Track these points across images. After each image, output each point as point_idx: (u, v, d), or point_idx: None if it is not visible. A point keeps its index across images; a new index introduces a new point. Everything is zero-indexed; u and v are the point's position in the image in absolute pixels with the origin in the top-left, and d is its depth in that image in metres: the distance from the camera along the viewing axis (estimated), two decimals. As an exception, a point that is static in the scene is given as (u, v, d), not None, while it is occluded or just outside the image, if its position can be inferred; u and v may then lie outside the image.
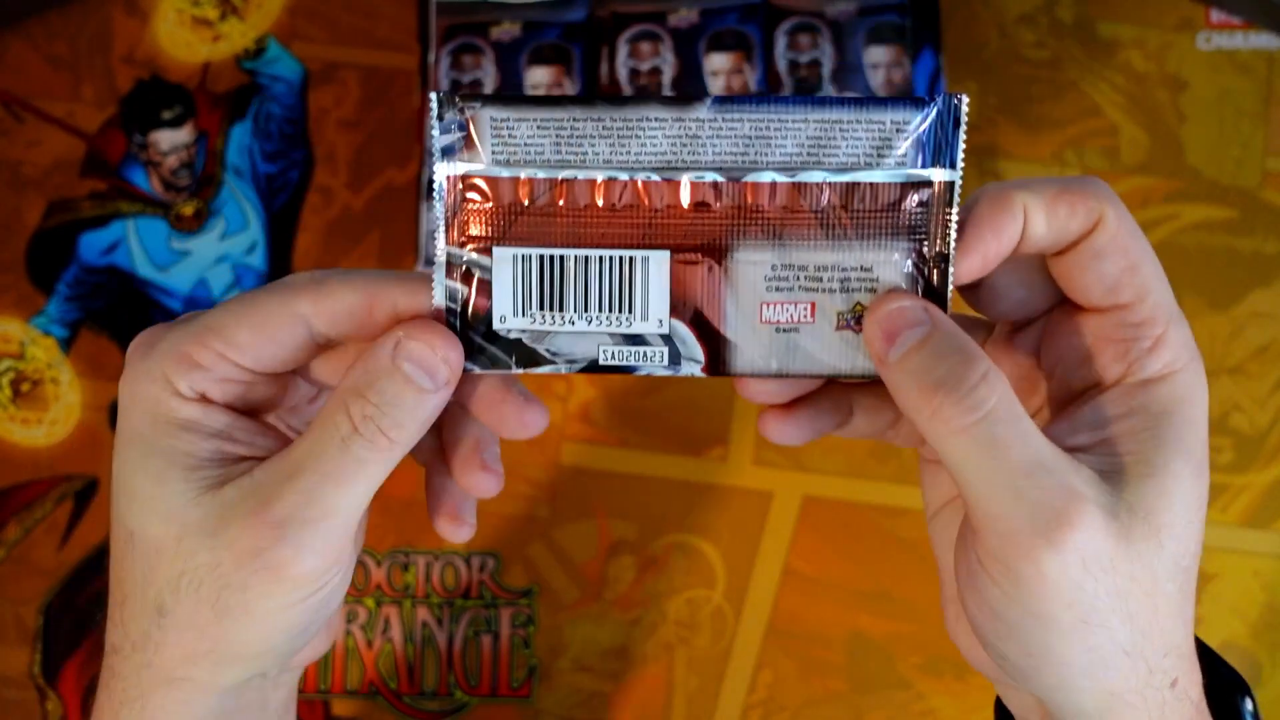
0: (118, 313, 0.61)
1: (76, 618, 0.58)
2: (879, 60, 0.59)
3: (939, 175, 0.28)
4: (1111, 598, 0.27)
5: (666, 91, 0.59)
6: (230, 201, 0.62)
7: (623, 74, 0.59)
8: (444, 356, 0.29)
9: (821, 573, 0.57)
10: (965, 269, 0.29)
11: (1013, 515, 0.27)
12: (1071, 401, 0.31)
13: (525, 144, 0.28)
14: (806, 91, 0.59)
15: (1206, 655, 0.32)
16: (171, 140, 0.62)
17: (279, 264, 0.61)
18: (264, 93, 0.63)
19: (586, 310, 0.30)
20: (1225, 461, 0.58)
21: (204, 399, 0.30)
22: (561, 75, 0.60)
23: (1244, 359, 0.58)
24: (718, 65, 0.59)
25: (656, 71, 0.59)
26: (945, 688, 0.56)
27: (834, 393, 0.33)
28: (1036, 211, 0.29)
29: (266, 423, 0.32)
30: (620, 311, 0.30)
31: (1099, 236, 0.29)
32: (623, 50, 0.60)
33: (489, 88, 0.60)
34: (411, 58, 0.62)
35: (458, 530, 0.34)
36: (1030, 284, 0.31)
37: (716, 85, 0.59)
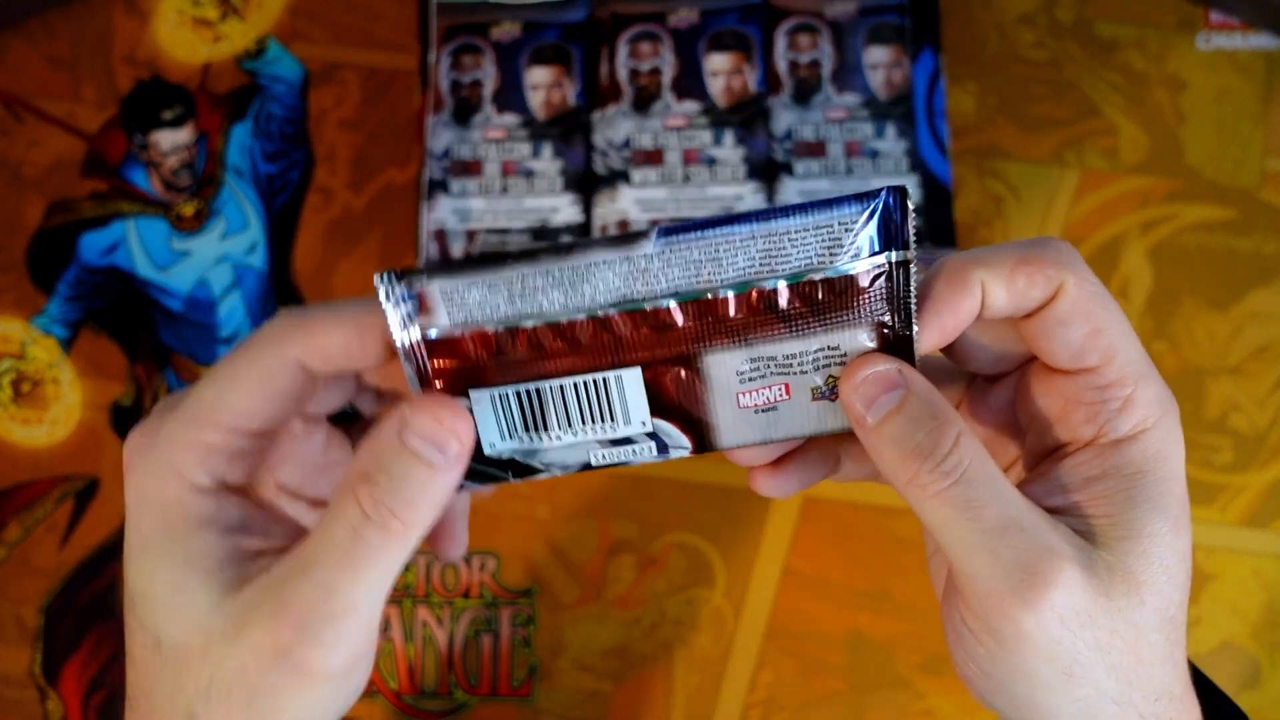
0: (118, 313, 0.61)
1: (77, 617, 0.58)
2: (879, 60, 0.59)
3: (893, 257, 0.28)
4: (1093, 651, 0.28)
5: (667, 91, 0.59)
6: (231, 201, 0.62)
7: (623, 74, 0.59)
8: (452, 429, 0.28)
9: (821, 573, 0.57)
10: (925, 343, 0.29)
11: (990, 575, 0.27)
12: (1047, 456, 0.31)
13: (479, 304, 0.28)
14: (807, 92, 0.59)
15: (1207, 691, 0.32)
16: (172, 140, 0.62)
17: (279, 264, 0.61)
18: (264, 93, 0.63)
19: (570, 427, 0.30)
20: (1225, 461, 0.58)
21: (222, 486, 0.29)
22: (561, 75, 0.60)
23: (1243, 359, 0.58)
24: (718, 65, 0.59)
25: (656, 72, 0.59)
26: (945, 687, 0.56)
27: (821, 444, 0.33)
28: (995, 285, 0.29)
29: (279, 511, 0.31)
30: (603, 422, 0.30)
31: (1060, 304, 0.29)
32: (623, 50, 0.60)
33: (489, 88, 0.60)
34: (412, 58, 0.63)
35: (453, 549, 0.33)
36: (1001, 343, 0.31)
37: (716, 85, 0.59)
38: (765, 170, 0.58)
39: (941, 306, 0.29)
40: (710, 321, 0.29)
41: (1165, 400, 0.29)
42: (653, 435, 0.30)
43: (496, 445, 0.30)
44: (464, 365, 0.29)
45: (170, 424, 0.29)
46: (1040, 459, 0.31)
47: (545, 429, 0.30)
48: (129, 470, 0.29)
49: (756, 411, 0.30)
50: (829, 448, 0.33)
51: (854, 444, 0.33)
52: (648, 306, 0.28)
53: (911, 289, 0.28)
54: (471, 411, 0.29)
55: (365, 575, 0.27)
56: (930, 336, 0.29)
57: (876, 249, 0.28)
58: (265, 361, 0.28)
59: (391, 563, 0.28)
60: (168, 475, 0.28)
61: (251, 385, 0.28)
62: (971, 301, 0.29)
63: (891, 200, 0.28)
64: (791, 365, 0.29)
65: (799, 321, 0.29)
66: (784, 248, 0.28)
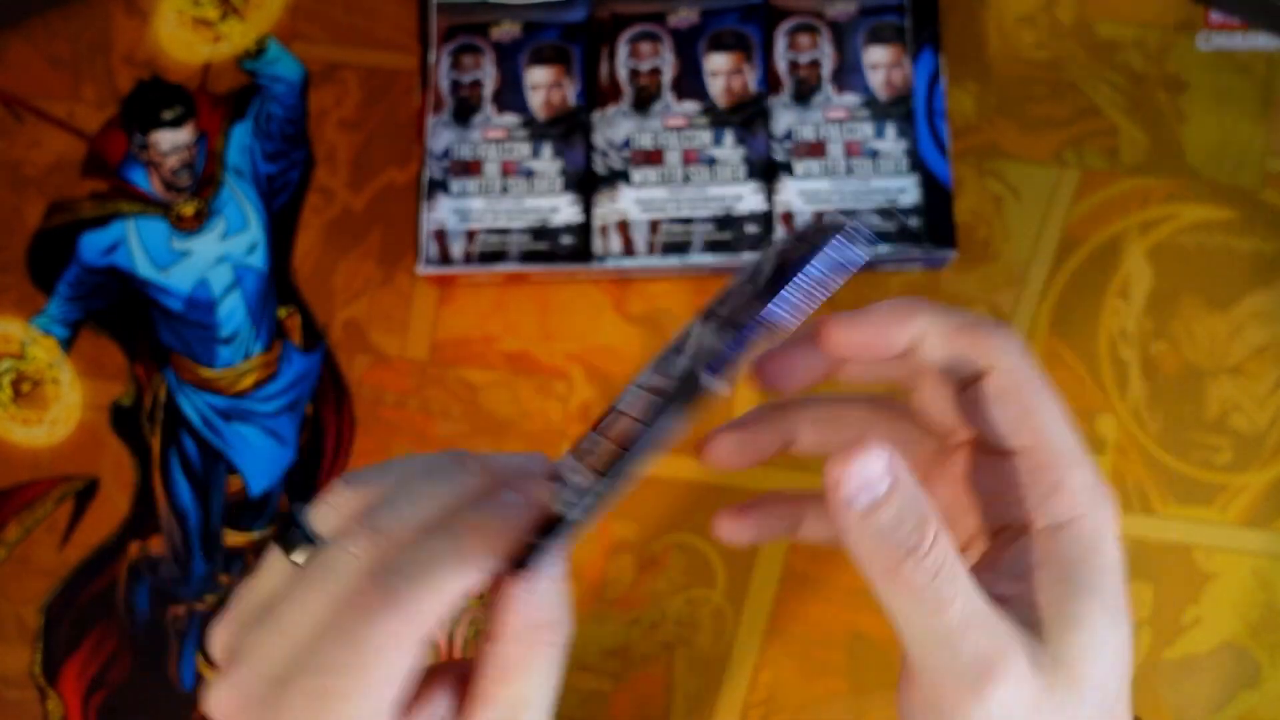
0: (118, 313, 0.61)
1: (77, 617, 0.58)
2: (879, 60, 0.59)
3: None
4: None
5: (667, 91, 0.59)
6: (231, 201, 0.62)
7: (623, 74, 0.59)
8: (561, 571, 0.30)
9: (821, 573, 0.57)
10: (838, 340, 0.31)
11: (946, 668, 0.28)
12: (996, 536, 0.31)
13: None
14: (807, 92, 0.59)
15: None
16: (172, 140, 0.62)
17: (279, 264, 0.61)
18: (264, 93, 0.63)
19: None
20: (1224, 461, 0.58)
21: None
22: (561, 75, 0.60)
23: (1243, 359, 0.58)
24: (718, 65, 0.59)
25: (656, 72, 0.59)
26: (945, 687, 0.56)
27: (786, 501, 0.34)
28: (936, 335, 0.30)
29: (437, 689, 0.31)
30: None
31: (994, 379, 0.30)
32: (623, 50, 0.60)
33: (489, 88, 0.60)
34: (412, 58, 0.63)
35: None
36: (951, 410, 0.32)
37: (716, 85, 0.59)
38: (765, 170, 0.58)
39: (875, 319, 0.30)
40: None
41: (1098, 489, 0.30)
42: None
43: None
44: None
45: None
46: (991, 537, 0.32)
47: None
48: None
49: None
50: (794, 508, 0.34)
51: (819, 508, 0.34)
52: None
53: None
54: None
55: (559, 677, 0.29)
56: (846, 335, 0.31)
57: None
58: (392, 661, 0.28)
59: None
60: None
61: (388, 686, 0.28)
62: (902, 331, 0.30)
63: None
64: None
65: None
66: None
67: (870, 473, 0.28)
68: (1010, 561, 0.30)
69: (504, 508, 0.29)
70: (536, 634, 0.29)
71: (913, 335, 0.30)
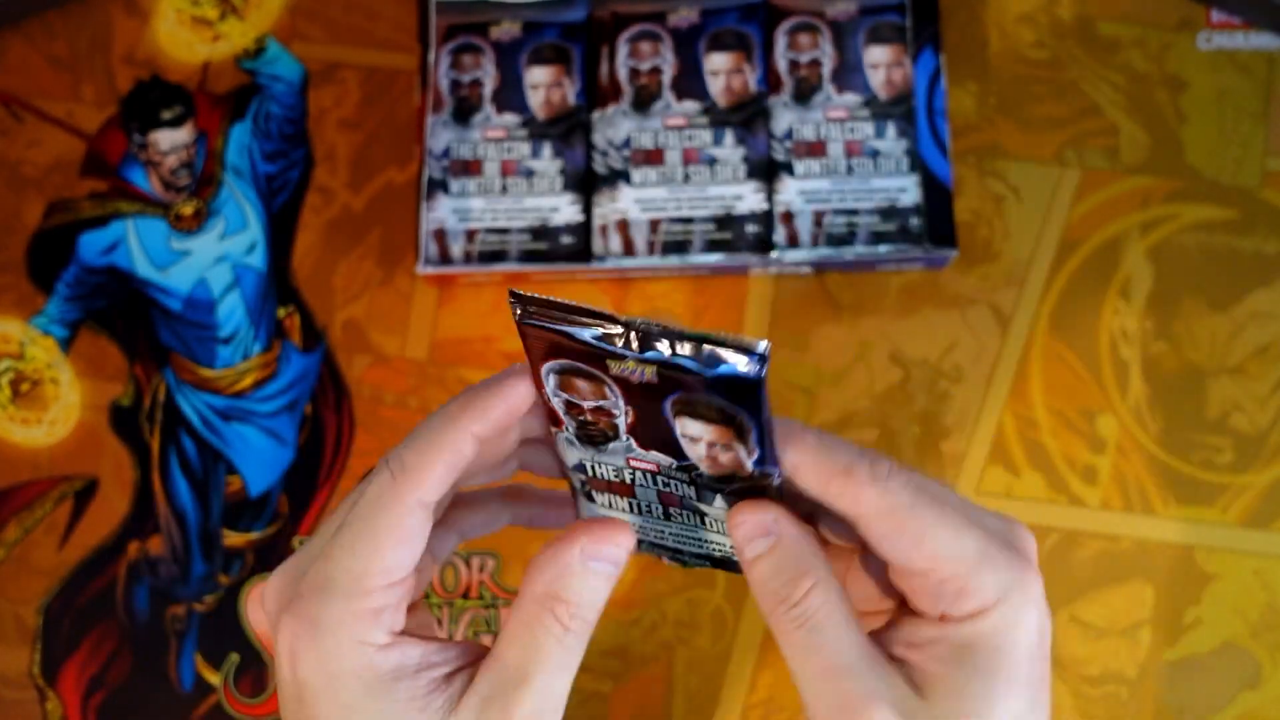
0: (117, 313, 0.61)
1: (76, 618, 0.58)
2: (879, 60, 0.59)
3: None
4: None
5: (667, 91, 0.59)
6: (230, 201, 0.62)
7: (623, 74, 0.59)
8: (625, 544, 0.33)
9: (821, 573, 0.57)
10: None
11: (814, 706, 0.31)
12: (912, 613, 0.33)
13: None
14: (807, 91, 0.59)
15: None
16: (171, 140, 0.62)
17: (278, 264, 0.61)
18: (264, 92, 0.63)
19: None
20: (1225, 462, 0.58)
21: (394, 634, 0.32)
22: (561, 75, 0.60)
23: (1244, 359, 0.58)
24: (718, 65, 0.59)
25: (656, 71, 0.59)
26: (945, 688, 0.56)
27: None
28: (808, 475, 0.32)
29: (440, 637, 0.34)
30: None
31: (872, 525, 0.31)
32: (622, 50, 0.60)
33: (489, 88, 0.60)
34: (411, 57, 0.62)
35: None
36: (847, 533, 0.34)
37: (717, 85, 0.59)
38: (765, 170, 0.58)
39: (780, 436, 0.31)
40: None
41: (1009, 575, 0.31)
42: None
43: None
44: None
45: (331, 606, 0.31)
46: (909, 612, 0.34)
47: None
48: (297, 654, 0.31)
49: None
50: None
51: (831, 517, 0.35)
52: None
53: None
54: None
55: (571, 675, 0.32)
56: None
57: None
58: (393, 513, 0.31)
59: (581, 655, 0.33)
60: (350, 648, 0.31)
61: (387, 534, 0.31)
62: (783, 464, 0.32)
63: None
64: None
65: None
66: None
67: (757, 527, 0.32)
68: (909, 631, 0.32)
69: (496, 380, 0.32)
70: (545, 602, 0.32)
71: (789, 462, 0.32)
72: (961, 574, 0.31)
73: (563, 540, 0.32)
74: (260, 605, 0.33)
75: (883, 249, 0.57)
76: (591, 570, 0.32)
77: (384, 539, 0.31)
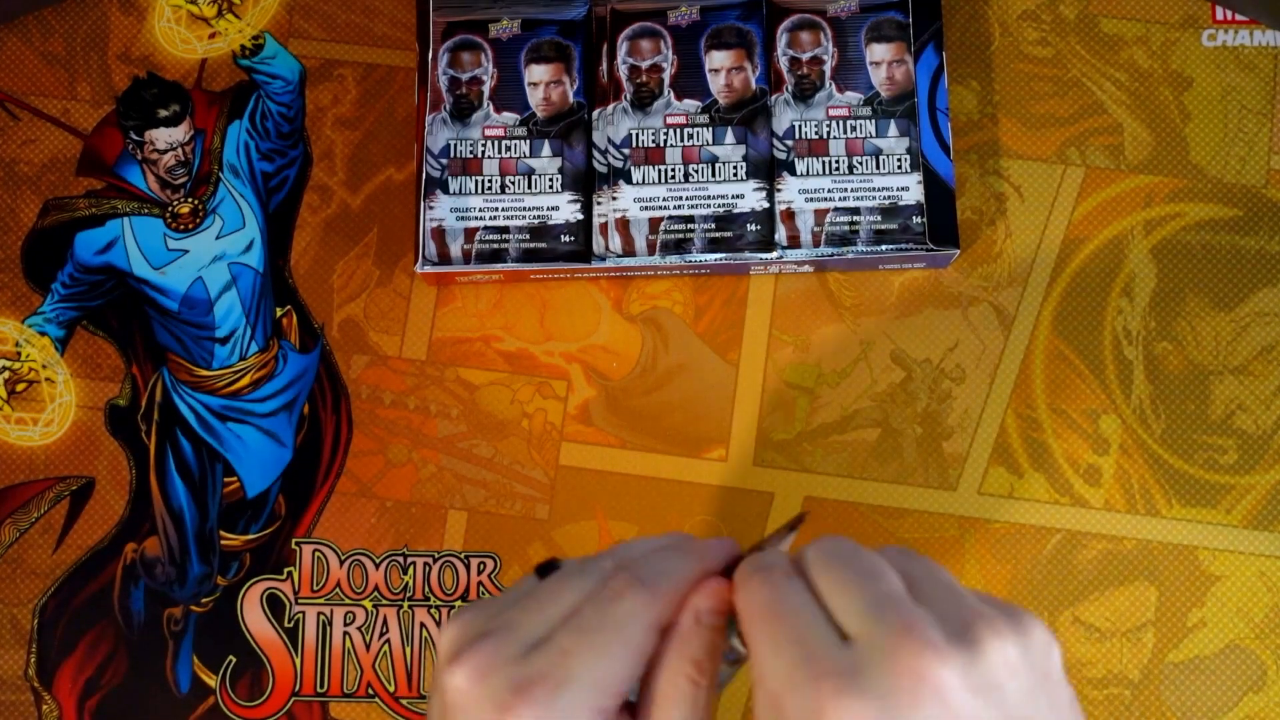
0: (114, 312, 0.60)
1: (72, 619, 0.58)
2: (881, 57, 0.59)
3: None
4: None
5: (667, 89, 0.59)
6: (227, 200, 0.61)
7: (623, 72, 0.59)
8: (725, 597, 0.36)
9: (823, 574, 0.57)
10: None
11: None
12: None
13: None
14: (809, 89, 0.59)
15: None
16: (168, 138, 0.62)
17: (276, 263, 0.61)
18: (261, 90, 0.62)
19: None
20: (1229, 462, 0.57)
21: None
22: (561, 73, 0.59)
23: (1248, 358, 0.58)
24: (718, 63, 0.59)
25: (657, 69, 0.59)
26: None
27: None
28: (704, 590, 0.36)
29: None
30: None
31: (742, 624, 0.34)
32: (623, 48, 0.59)
33: (488, 85, 0.59)
34: (410, 55, 0.62)
35: None
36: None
37: (718, 83, 0.59)
38: (767, 168, 0.58)
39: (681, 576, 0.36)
40: None
41: (802, 712, 0.31)
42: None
43: None
44: None
45: (574, 694, 0.33)
46: None
47: None
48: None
49: None
50: None
51: None
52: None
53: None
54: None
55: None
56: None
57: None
58: (635, 635, 0.35)
59: (711, 703, 0.35)
60: None
61: (629, 657, 0.34)
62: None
63: None
64: None
65: None
66: None
67: (695, 599, 0.36)
68: None
69: (717, 543, 0.37)
70: (682, 666, 0.35)
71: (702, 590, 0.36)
72: (776, 691, 0.32)
73: (683, 612, 0.36)
74: (457, 662, 0.34)
75: (884, 248, 0.57)
76: (708, 627, 0.35)
77: (633, 654, 0.34)
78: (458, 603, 0.57)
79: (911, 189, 0.57)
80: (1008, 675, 0.30)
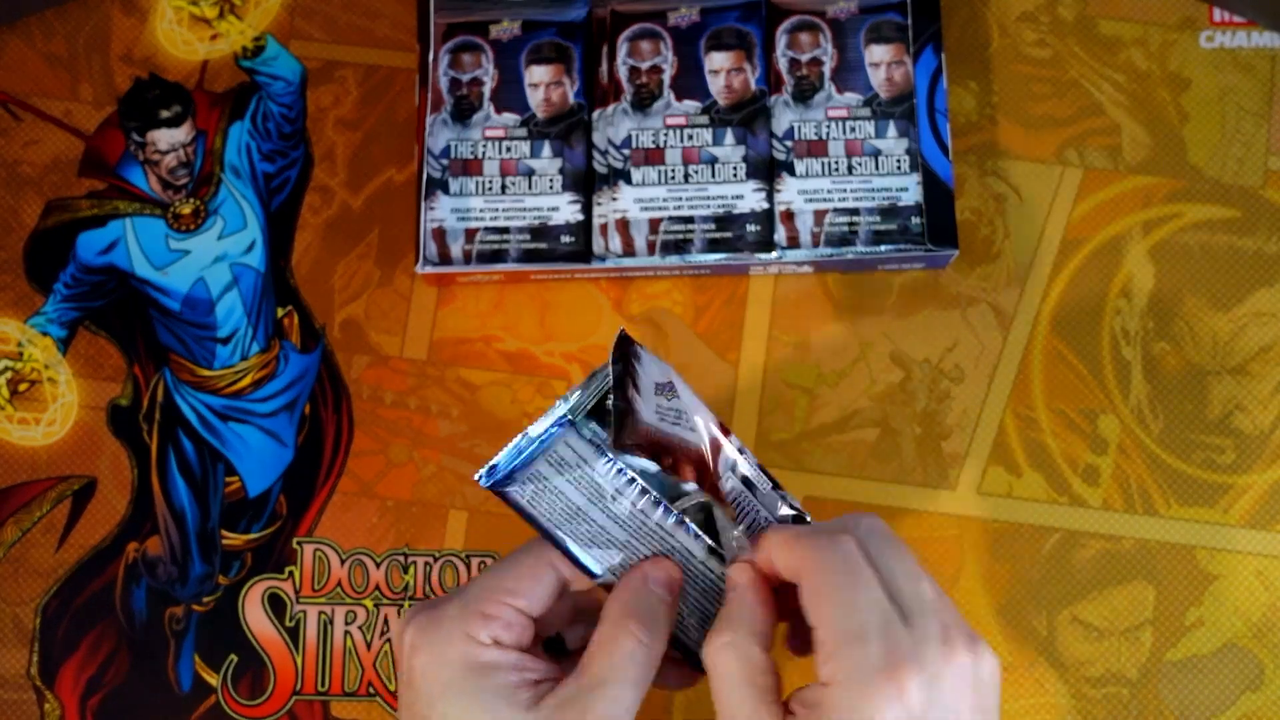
0: (116, 312, 0.61)
1: (74, 618, 0.58)
2: (880, 59, 0.59)
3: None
4: None
5: (667, 90, 0.59)
6: (228, 200, 0.61)
7: (623, 73, 0.59)
8: (678, 575, 0.41)
9: (822, 573, 0.57)
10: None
11: None
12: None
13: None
14: (808, 90, 0.59)
15: None
16: (170, 139, 0.62)
17: (277, 263, 0.61)
18: (262, 91, 0.63)
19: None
20: (1227, 462, 0.57)
21: (497, 643, 0.39)
22: (561, 74, 0.59)
23: (1246, 359, 0.58)
24: (718, 64, 0.59)
25: (657, 70, 0.59)
26: (946, 689, 0.56)
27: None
28: (777, 550, 0.39)
29: (539, 653, 0.41)
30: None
31: (804, 585, 0.37)
32: (622, 49, 0.59)
33: (488, 86, 0.60)
34: (411, 56, 0.62)
35: None
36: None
37: (717, 84, 0.59)
38: (766, 169, 0.58)
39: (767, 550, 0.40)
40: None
41: (863, 666, 0.34)
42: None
43: None
44: None
45: (453, 606, 0.39)
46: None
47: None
48: (416, 646, 0.39)
49: None
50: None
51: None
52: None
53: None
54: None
55: (642, 688, 0.39)
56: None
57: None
58: (530, 558, 0.41)
59: (652, 674, 0.39)
60: (459, 639, 0.39)
61: (519, 571, 0.40)
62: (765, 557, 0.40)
63: None
64: None
65: None
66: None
67: (732, 574, 0.40)
68: (808, 691, 0.36)
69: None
70: (625, 622, 0.38)
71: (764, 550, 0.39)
72: (830, 642, 0.35)
73: (630, 577, 0.40)
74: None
75: (883, 248, 0.57)
76: (659, 597, 0.39)
77: (516, 570, 0.40)
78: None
79: (910, 190, 0.57)
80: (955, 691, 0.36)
